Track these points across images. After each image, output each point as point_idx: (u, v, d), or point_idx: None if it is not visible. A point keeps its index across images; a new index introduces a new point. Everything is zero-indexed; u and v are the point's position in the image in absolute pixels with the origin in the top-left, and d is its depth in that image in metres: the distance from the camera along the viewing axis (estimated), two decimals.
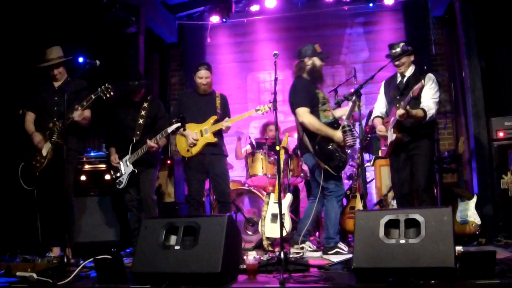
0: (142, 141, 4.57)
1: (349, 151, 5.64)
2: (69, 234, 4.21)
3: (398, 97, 4.26)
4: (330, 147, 4.23)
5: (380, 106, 4.53)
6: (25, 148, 4.41)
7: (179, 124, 4.42)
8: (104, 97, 4.21)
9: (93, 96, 4.22)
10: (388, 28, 6.94)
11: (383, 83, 4.57)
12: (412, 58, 4.30)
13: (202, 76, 4.71)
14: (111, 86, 4.21)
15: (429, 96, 4.10)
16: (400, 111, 3.94)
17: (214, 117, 4.64)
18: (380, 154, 5.22)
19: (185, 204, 5.57)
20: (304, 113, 4.26)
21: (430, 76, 4.18)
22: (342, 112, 4.39)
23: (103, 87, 4.20)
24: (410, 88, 4.12)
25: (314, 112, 4.31)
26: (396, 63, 4.28)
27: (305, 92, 4.32)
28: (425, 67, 4.45)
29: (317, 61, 4.42)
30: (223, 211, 4.65)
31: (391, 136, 4.14)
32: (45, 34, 5.72)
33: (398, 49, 4.25)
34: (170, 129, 4.43)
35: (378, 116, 4.50)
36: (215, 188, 4.74)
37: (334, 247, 4.24)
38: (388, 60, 4.33)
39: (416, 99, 4.10)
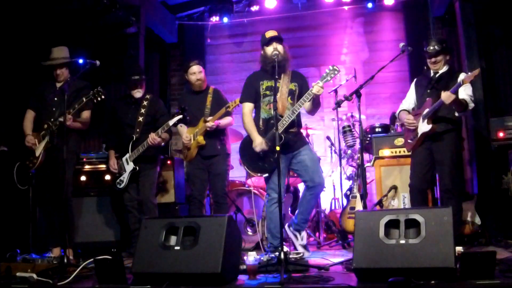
0: (142, 138, 4.57)
1: (349, 151, 5.65)
2: (69, 234, 4.21)
3: (429, 91, 4.21)
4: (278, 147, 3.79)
5: (407, 102, 4.43)
6: (21, 147, 4.41)
7: (180, 116, 4.37)
8: (95, 100, 4.18)
9: (84, 99, 4.20)
10: (388, 28, 6.94)
11: (414, 80, 4.49)
12: (448, 57, 4.25)
13: (194, 71, 4.65)
14: (103, 90, 4.17)
15: (467, 93, 4.07)
16: (448, 94, 3.85)
17: (202, 119, 4.59)
18: (380, 154, 5.20)
19: (185, 204, 5.57)
20: (243, 109, 4.17)
21: (463, 75, 4.11)
22: (308, 107, 4.08)
23: (95, 90, 4.17)
24: (444, 83, 4.09)
25: (257, 106, 4.13)
26: (433, 60, 4.20)
27: (245, 87, 4.20)
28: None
29: (266, 49, 4.08)
30: (218, 212, 4.65)
31: (425, 127, 4.07)
32: (46, 34, 5.73)
33: (437, 46, 4.17)
34: (171, 122, 4.39)
35: (404, 110, 4.41)
36: (211, 188, 4.73)
37: (275, 251, 3.90)
38: (388, 59, 4.29)
39: None
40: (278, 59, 3.85)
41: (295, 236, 4.14)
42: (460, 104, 3.99)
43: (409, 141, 4.30)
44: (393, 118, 5.64)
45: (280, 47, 4.04)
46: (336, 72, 3.87)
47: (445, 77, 4.17)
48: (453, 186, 4.06)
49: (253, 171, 4.10)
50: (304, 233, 4.16)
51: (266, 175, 4.07)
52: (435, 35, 6.71)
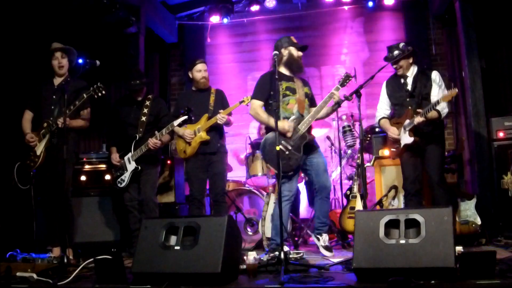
0: (145, 138, 4.57)
1: (349, 151, 5.65)
2: (69, 234, 4.21)
3: (407, 99, 4.27)
4: (278, 147, 3.93)
5: (383, 107, 4.51)
6: (21, 147, 4.41)
7: (186, 117, 4.39)
8: (95, 96, 4.17)
9: (85, 95, 4.18)
10: (388, 28, 6.94)
11: (384, 83, 4.55)
12: (410, 60, 4.31)
13: (200, 69, 4.72)
14: (103, 85, 4.16)
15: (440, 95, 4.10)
16: (420, 119, 4.00)
17: (206, 115, 4.64)
18: (380, 154, 5.22)
19: (185, 204, 5.57)
20: (252, 105, 4.24)
21: (436, 74, 4.25)
22: (325, 111, 4.27)
23: (95, 86, 4.15)
24: (420, 88, 4.19)
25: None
26: (394, 66, 4.32)
27: (259, 85, 4.27)
28: (424, 66, 4.48)
29: (293, 51, 4.29)
30: (217, 211, 4.66)
31: (407, 139, 4.16)
32: (46, 34, 5.72)
33: (396, 52, 4.28)
34: (176, 122, 4.41)
35: (384, 118, 4.48)
36: (211, 187, 4.74)
37: (275, 250, 3.98)
38: None
39: (426, 99, 4.17)
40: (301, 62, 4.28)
41: (317, 239, 4.30)
42: (431, 119, 4.07)
43: (392, 149, 4.39)
44: None
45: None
46: (350, 78, 4.13)
47: (419, 81, 4.23)
48: (440, 178, 4.17)
49: (276, 169, 4.14)
50: (325, 236, 4.30)
51: (291, 173, 4.12)
52: (435, 35, 6.72)
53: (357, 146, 5.47)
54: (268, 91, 4.14)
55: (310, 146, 4.20)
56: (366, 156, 5.56)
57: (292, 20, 7.05)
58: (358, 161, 5.23)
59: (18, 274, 3.43)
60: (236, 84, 7.16)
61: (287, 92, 4.16)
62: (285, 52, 4.29)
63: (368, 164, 5.36)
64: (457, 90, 3.86)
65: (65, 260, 3.57)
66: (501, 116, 5.03)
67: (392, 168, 5.08)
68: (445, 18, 6.53)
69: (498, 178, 4.83)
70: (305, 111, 4.21)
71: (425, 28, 6.68)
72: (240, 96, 4.69)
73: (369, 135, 5.42)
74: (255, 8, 6.88)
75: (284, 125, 4.04)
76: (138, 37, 6.15)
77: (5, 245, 4.36)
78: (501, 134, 4.89)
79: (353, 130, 5.64)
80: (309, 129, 4.19)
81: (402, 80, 4.34)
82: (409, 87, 4.29)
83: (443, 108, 4.09)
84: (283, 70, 4.29)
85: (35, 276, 3.36)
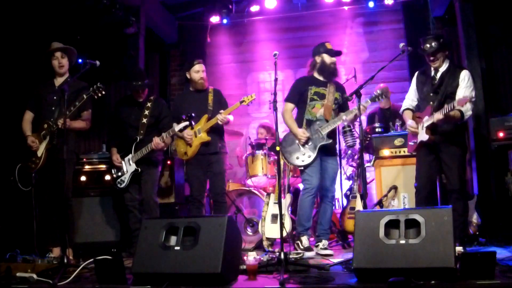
0: (146, 140, 4.57)
1: (349, 151, 5.65)
2: (69, 234, 4.21)
3: (431, 94, 4.13)
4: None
5: (410, 97, 4.37)
6: (22, 149, 4.41)
7: (187, 123, 4.39)
8: (95, 97, 4.18)
9: (84, 96, 4.20)
10: (388, 28, 6.94)
11: (416, 73, 4.39)
12: (446, 52, 4.15)
13: (198, 69, 4.71)
14: (102, 85, 4.17)
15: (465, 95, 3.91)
16: (439, 116, 3.89)
17: (205, 116, 4.63)
18: (380, 154, 5.20)
19: (185, 204, 5.57)
20: (285, 107, 4.58)
21: (466, 74, 4.06)
22: (351, 115, 4.40)
23: (94, 86, 4.16)
24: (445, 86, 4.06)
25: (302, 108, 4.53)
26: (432, 58, 4.11)
27: (292, 89, 4.61)
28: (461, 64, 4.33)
29: (326, 57, 4.51)
30: (217, 211, 4.67)
31: (423, 135, 4.06)
32: (46, 35, 5.72)
33: (434, 43, 4.06)
34: (177, 128, 4.41)
35: (408, 109, 4.37)
36: (211, 187, 4.74)
37: (301, 234, 4.46)
38: (388, 59, 4.28)
39: (450, 98, 4.01)
40: (333, 68, 4.50)
41: (317, 245, 4.46)
42: (452, 118, 3.94)
43: (410, 143, 4.30)
44: (371, 119, 5.86)
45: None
46: (387, 93, 4.23)
47: (446, 78, 4.08)
48: (461, 186, 4.04)
49: (291, 163, 4.55)
50: (324, 241, 4.46)
51: (302, 168, 4.46)
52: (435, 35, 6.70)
53: (357, 146, 5.47)
54: (298, 95, 4.51)
55: (328, 151, 4.49)
56: (366, 156, 5.56)
57: (292, 20, 7.04)
58: (358, 161, 5.23)
59: (18, 274, 3.44)
60: (236, 84, 7.16)
61: (314, 97, 4.47)
62: (318, 59, 4.53)
63: (368, 164, 5.36)
64: (470, 98, 3.75)
65: (65, 260, 3.57)
66: (501, 116, 5.02)
67: (392, 168, 5.07)
68: (445, 18, 6.52)
69: (498, 178, 4.82)
70: (331, 116, 4.46)
71: (425, 28, 6.66)
72: (240, 96, 4.68)
73: (369, 135, 5.42)
74: (255, 8, 6.87)
75: (299, 132, 4.39)
76: (138, 37, 6.15)
77: (6, 246, 4.36)
78: (501, 134, 4.87)
79: (353, 130, 5.63)
80: (330, 134, 4.45)
81: (433, 72, 4.16)
82: (436, 82, 4.13)
83: (467, 110, 3.93)
84: (317, 75, 4.55)
85: (35, 276, 3.37)
